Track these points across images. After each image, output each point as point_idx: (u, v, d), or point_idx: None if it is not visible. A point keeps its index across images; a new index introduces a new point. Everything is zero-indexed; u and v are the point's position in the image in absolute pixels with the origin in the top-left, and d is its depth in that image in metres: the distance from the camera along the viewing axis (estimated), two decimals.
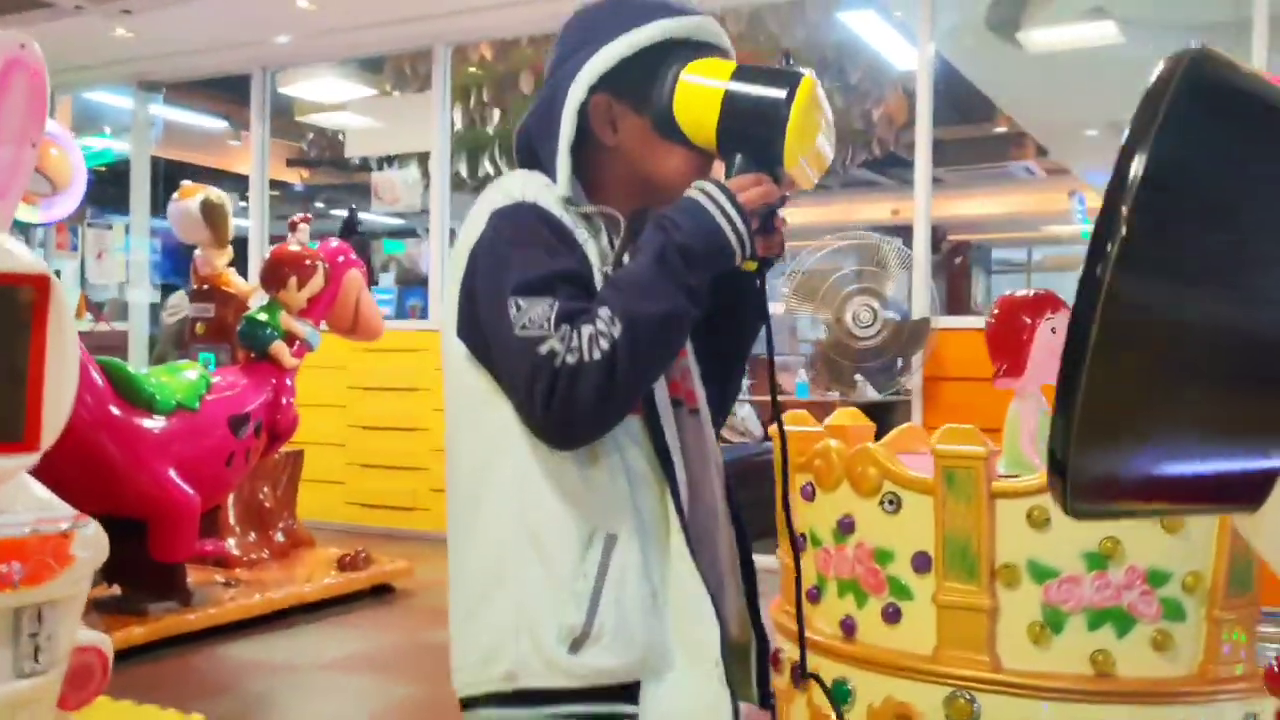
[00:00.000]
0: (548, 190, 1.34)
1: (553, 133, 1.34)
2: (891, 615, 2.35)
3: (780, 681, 2.47)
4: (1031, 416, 2.65)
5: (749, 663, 1.42)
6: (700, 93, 1.32)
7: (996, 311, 2.76)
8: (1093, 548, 2.14)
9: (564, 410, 1.18)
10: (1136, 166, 0.70)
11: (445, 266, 1.74)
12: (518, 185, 1.34)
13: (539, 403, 1.19)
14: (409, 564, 5.39)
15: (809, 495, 2.53)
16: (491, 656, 1.27)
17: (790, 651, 2.51)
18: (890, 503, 2.33)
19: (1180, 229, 0.70)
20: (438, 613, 4.04)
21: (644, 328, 1.19)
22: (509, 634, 1.26)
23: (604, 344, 1.17)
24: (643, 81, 1.34)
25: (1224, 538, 2.13)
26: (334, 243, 5.25)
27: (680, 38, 1.35)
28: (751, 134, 1.30)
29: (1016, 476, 2.37)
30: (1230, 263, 0.71)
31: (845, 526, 2.43)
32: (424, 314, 7.46)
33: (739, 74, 1.32)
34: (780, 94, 1.27)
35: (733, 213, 1.26)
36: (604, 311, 1.19)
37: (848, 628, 2.43)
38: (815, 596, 2.54)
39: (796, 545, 2.57)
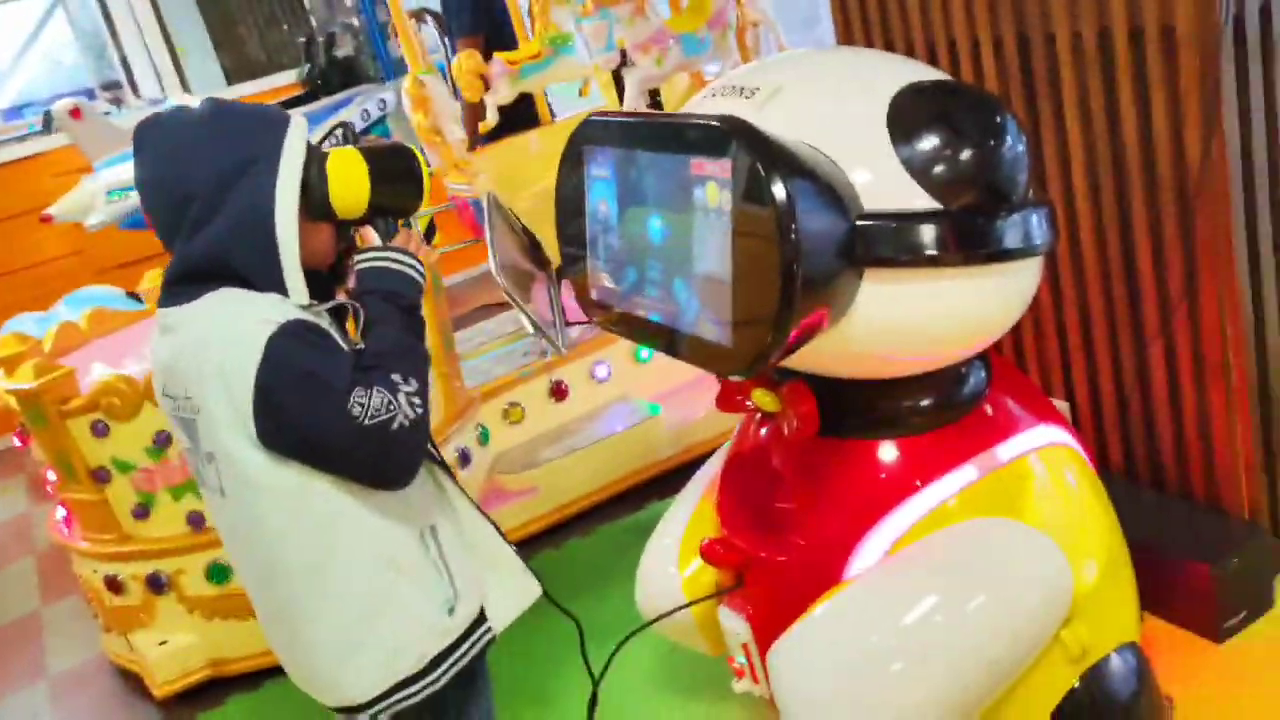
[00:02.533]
0: (286, 304, 1.50)
1: (266, 251, 1.51)
2: None
3: None
4: None
5: None
6: (353, 180, 1.61)
7: None
8: None
9: (413, 458, 1.54)
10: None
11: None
12: (265, 309, 1.48)
13: (394, 464, 1.51)
14: None
15: (103, 432, 2.64)
16: (397, 654, 1.59)
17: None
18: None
19: None
20: None
21: (422, 375, 1.55)
22: (407, 632, 1.59)
23: (417, 400, 1.51)
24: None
25: None
26: None
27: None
28: (398, 204, 1.68)
29: None
30: None
31: (161, 441, 2.64)
32: None
33: (370, 158, 1.62)
34: (417, 171, 1.67)
35: (418, 265, 1.67)
36: (396, 378, 1.50)
37: (195, 521, 2.72)
38: (143, 514, 2.73)
39: (99, 479, 2.70)
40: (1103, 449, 2.44)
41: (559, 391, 3.35)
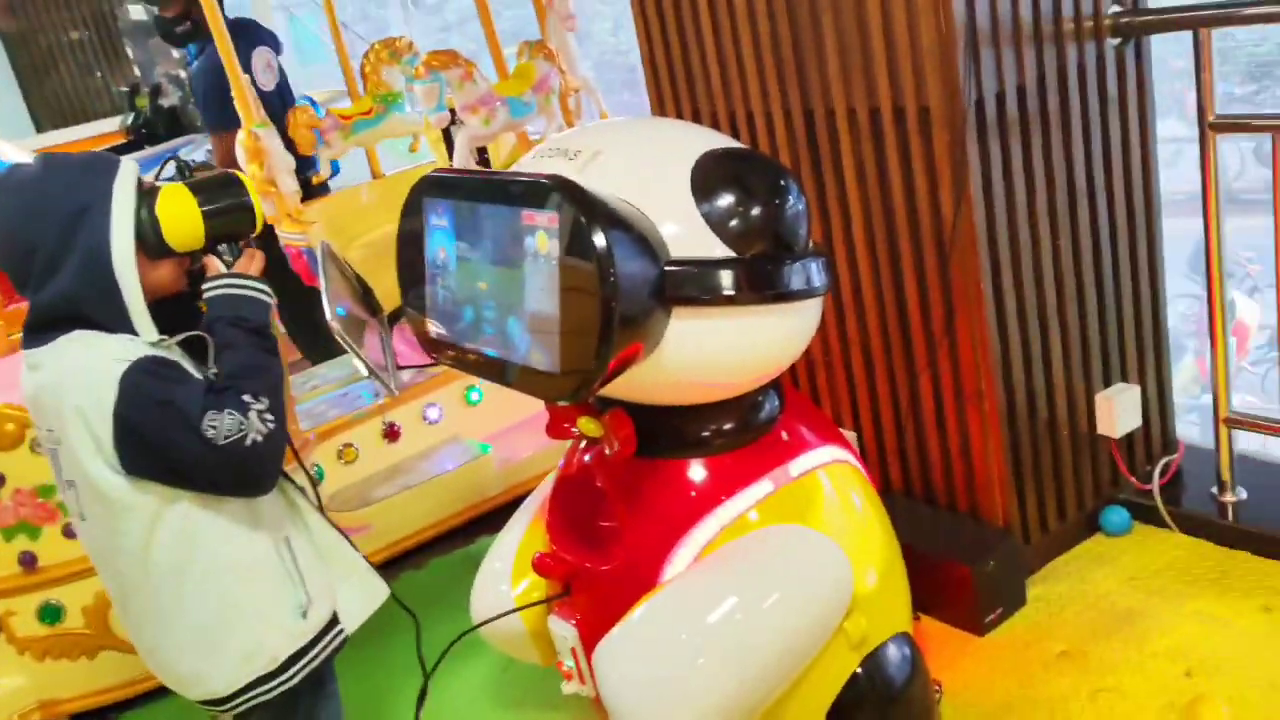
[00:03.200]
0: (136, 342, 1.63)
1: (109, 293, 1.62)
2: (72, 532, 2.74)
3: None
4: None
5: None
6: (184, 214, 1.73)
7: None
8: None
9: (268, 469, 1.69)
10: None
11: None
12: (115, 349, 1.61)
13: (252, 477, 1.65)
14: None
15: None
16: (251, 655, 1.72)
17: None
18: (39, 444, 2.65)
19: None
20: None
21: (275, 392, 1.70)
22: (259, 633, 1.73)
23: (269, 416, 1.66)
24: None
25: None
26: None
27: None
28: (232, 230, 1.82)
29: None
30: None
31: None
32: None
33: (197, 191, 1.74)
34: (246, 199, 1.79)
35: (262, 287, 1.81)
36: (248, 398, 1.64)
37: (27, 561, 2.74)
38: None
39: None
40: (885, 470, 2.77)
41: (392, 433, 3.48)
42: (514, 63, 3.50)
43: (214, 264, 1.82)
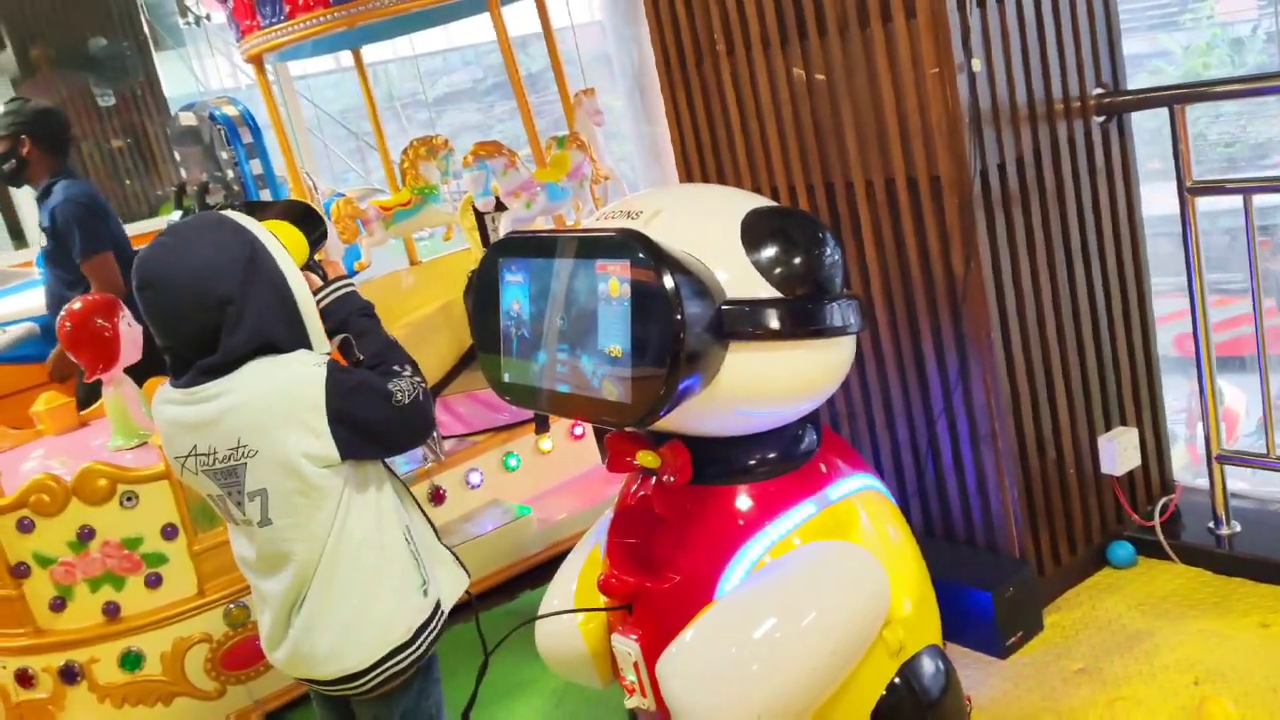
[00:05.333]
0: (310, 354, 1.95)
1: (295, 322, 1.93)
2: (154, 582, 2.94)
3: None
4: (134, 396, 3.29)
5: None
6: (295, 239, 2.06)
7: (69, 322, 3.23)
8: None
9: (433, 416, 2.06)
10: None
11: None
12: (305, 360, 1.93)
13: (427, 424, 1.99)
14: None
15: (28, 528, 2.86)
16: (390, 626, 1.97)
17: None
18: (129, 499, 2.88)
19: None
20: None
21: (409, 358, 2.08)
22: (397, 606, 1.98)
23: (417, 377, 2.04)
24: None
25: (177, 490, 2.92)
26: None
27: None
28: (319, 240, 2.15)
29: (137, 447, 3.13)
30: None
31: (85, 535, 2.87)
32: None
33: (295, 220, 2.08)
34: (324, 222, 2.13)
35: (353, 281, 2.17)
36: (397, 367, 2.03)
37: (111, 610, 2.93)
38: (60, 606, 2.93)
39: (18, 574, 2.90)
40: (907, 511, 2.98)
41: (438, 496, 3.71)
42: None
43: (314, 279, 2.11)
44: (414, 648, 2.03)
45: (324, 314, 2.05)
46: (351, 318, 2.09)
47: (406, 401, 1.97)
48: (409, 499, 2.14)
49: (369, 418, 1.95)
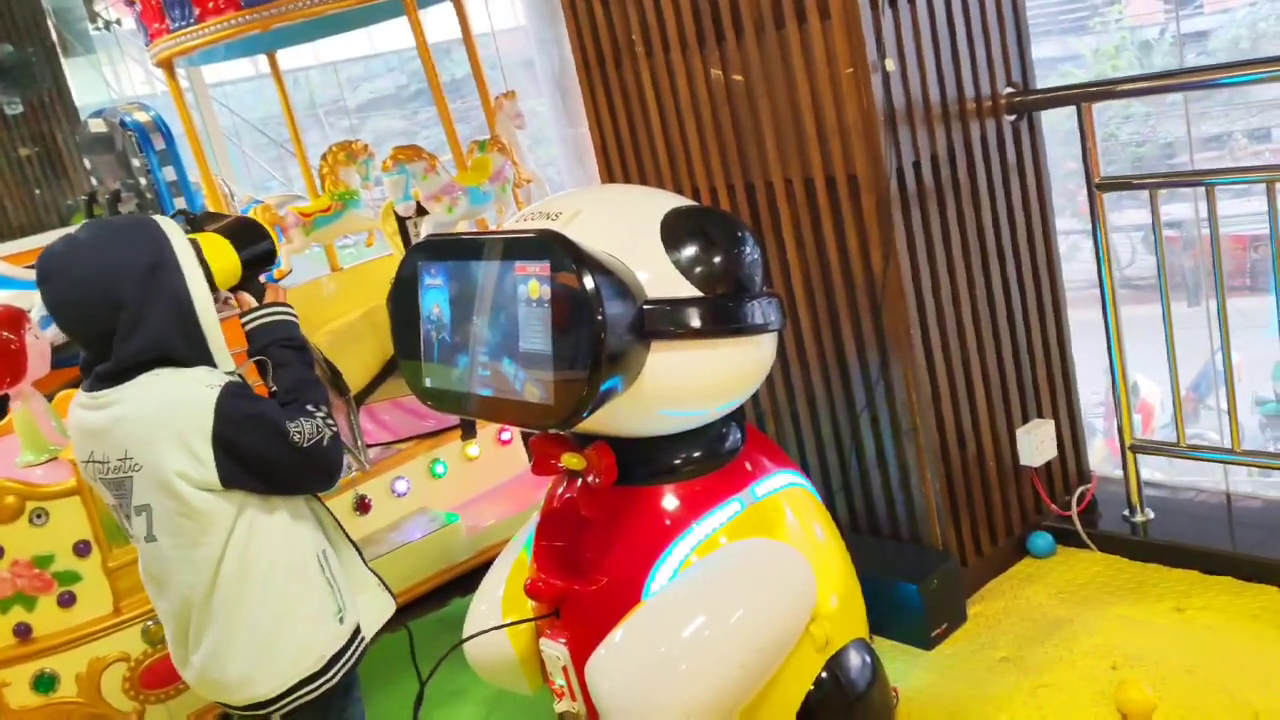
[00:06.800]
0: (215, 372, 1.86)
1: (195, 337, 1.85)
2: (67, 600, 2.86)
3: None
4: (43, 411, 3.19)
5: None
6: (227, 261, 2.00)
7: None
8: None
9: (339, 463, 1.96)
10: None
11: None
12: (203, 378, 1.84)
13: (329, 471, 1.89)
14: None
15: None
16: (302, 655, 1.90)
17: None
18: (38, 516, 2.79)
19: None
20: None
21: (326, 398, 1.99)
22: (309, 635, 1.92)
23: (330, 420, 1.90)
24: None
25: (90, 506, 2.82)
26: None
27: None
28: (260, 263, 2.08)
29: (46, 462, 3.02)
30: None
31: None
32: None
33: (230, 235, 2.01)
34: (269, 245, 2.07)
35: (292, 311, 2.10)
36: (310, 407, 1.89)
37: (22, 632, 2.84)
38: None
39: None
40: (832, 508, 3.01)
41: (363, 506, 3.65)
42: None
43: (247, 299, 2.05)
44: (327, 676, 1.98)
45: (249, 336, 2.01)
46: (273, 346, 2.01)
47: (305, 445, 1.88)
48: (330, 523, 2.10)
49: (259, 452, 1.86)
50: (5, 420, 3.36)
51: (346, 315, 4.02)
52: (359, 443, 3.81)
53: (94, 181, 5.11)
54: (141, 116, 4.61)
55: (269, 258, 2.11)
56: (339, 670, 1.99)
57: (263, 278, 2.15)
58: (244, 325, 2.01)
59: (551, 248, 1.93)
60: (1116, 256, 2.87)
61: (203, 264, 1.95)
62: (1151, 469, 3.08)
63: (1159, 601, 2.71)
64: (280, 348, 2.01)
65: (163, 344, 1.86)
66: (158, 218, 1.98)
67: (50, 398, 3.21)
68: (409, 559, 3.57)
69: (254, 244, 2.08)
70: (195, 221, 2.12)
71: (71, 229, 5.53)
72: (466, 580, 3.58)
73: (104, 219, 2.02)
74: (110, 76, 8.86)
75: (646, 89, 3.02)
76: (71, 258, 1.87)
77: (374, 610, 2.11)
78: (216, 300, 2.01)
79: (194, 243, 1.97)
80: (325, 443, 1.90)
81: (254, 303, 2.06)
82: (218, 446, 1.83)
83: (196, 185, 4.69)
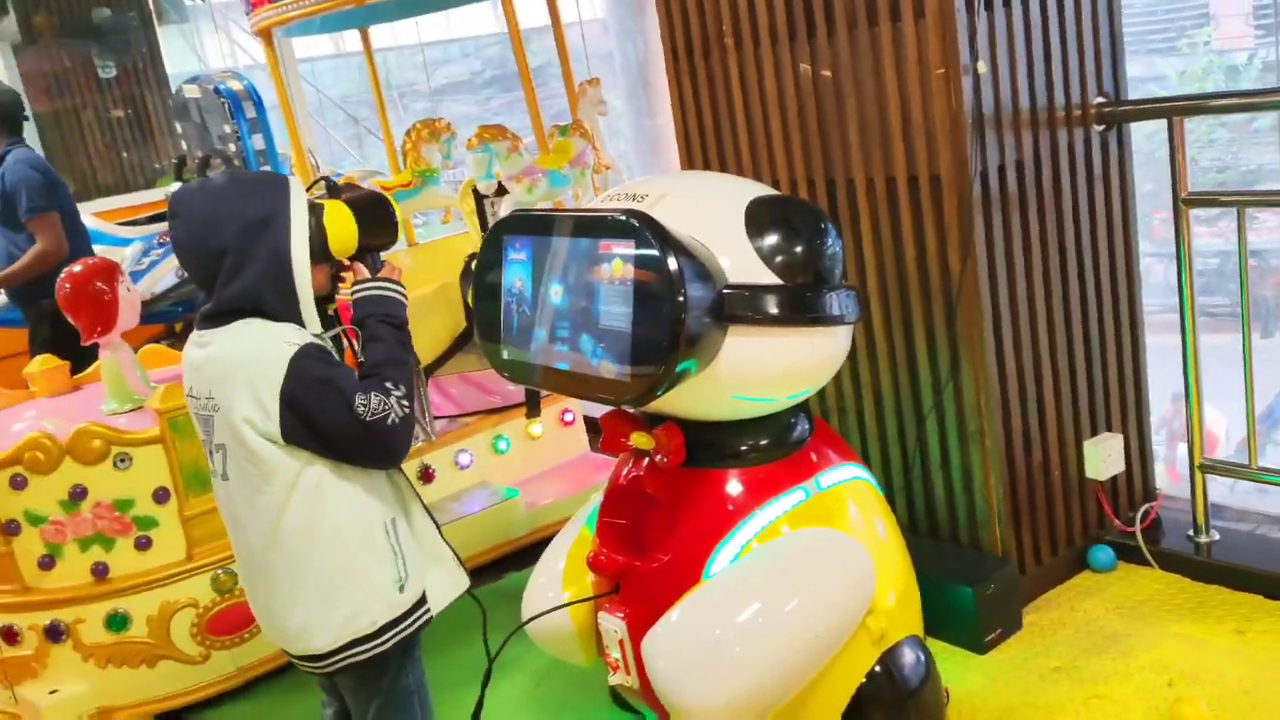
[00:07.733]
0: (301, 331, 1.90)
1: (287, 292, 1.89)
2: (143, 544, 2.96)
3: None
4: (130, 361, 3.29)
5: None
6: (344, 227, 2.03)
7: (68, 284, 3.23)
8: None
9: (402, 446, 1.95)
10: None
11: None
12: (287, 335, 1.88)
13: (388, 451, 1.91)
14: None
15: (20, 485, 2.87)
16: (356, 615, 1.95)
17: None
18: (122, 460, 2.89)
19: None
20: None
21: (410, 381, 1.96)
22: (365, 598, 1.95)
23: (405, 402, 1.91)
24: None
25: (170, 454, 2.95)
26: None
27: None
28: (380, 243, 2.11)
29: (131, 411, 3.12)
30: None
31: (76, 495, 2.88)
32: None
33: (355, 208, 2.04)
34: (393, 216, 2.13)
35: (402, 290, 2.11)
36: (389, 384, 1.91)
37: (100, 571, 2.94)
38: (49, 564, 2.94)
39: (9, 531, 2.91)
40: (891, 505, 3.02)
41: (427, 475, 3.73)
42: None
43: (361, 269, 2.11)
44: (376, 642, 2.02)
45: (354, 305, 2.06)
46: (371, 319, 2.05)
47: (369, 418, 1.90)
48: (410, 494, 2.14)
49: (322, 416, 1.90)
50: (94, 368, 3.47)
51: (420, 289, 4.09)
52: (426, 414, 3.90)
53: (184, 145, 5.23)
54: (235, 84, 4.72)
55: (388, 232, 2.17)
56: (393, 637, 2.03)
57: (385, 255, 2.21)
58: (351, 293, 2.07)
59: (637, 228, 1.97)
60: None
61: (321, 230, 2.01)
62: (1212, 495, 3.04)
63: (1219, 622, 2.68)
64: (379, 322, 2.05)
65: (255, 295, 1.93)
66: (295, 179, 2.05)
67: (136, 350, 3.32)
68: (468, 530, 3.64)
69: (376, 218, 2.14)
70: (334, 189, 2.20)
71: (158, 192, 5.67)
72: (523, 555, 3.65)
73: (241, 170, 2.10)
74: (198, 46, 9.06)
75: (733, 80, 3.04)
76: (194, 200, 1.98)
77: (445, 585, 2.16)
78: (331, 266, 2.09)
79: (318, 208, 2.03)
80: (391, 421, 1.92)
81: (367, 274, 2.11)
82: (284, 402, 1.89)
83: (284, 155, 4.80)
